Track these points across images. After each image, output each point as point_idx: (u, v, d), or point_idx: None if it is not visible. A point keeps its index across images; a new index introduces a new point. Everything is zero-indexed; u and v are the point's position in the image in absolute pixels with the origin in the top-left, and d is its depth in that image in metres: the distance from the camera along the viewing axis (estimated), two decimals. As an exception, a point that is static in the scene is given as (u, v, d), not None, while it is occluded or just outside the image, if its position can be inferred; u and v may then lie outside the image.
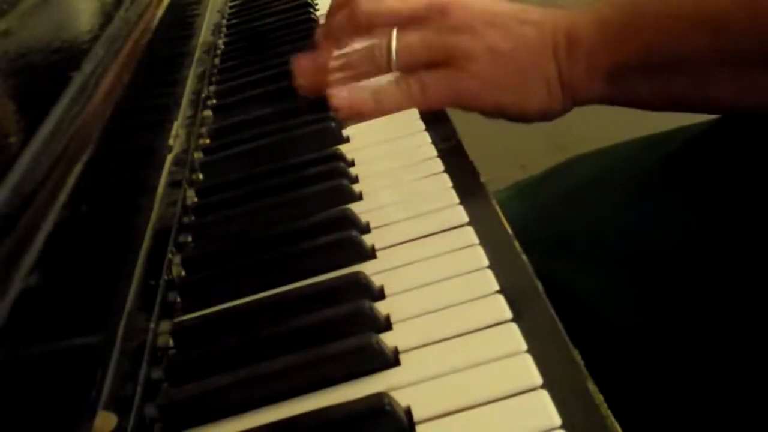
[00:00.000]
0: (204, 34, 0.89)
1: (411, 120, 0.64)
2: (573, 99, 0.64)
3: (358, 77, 0.66)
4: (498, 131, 0.71)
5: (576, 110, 0.67)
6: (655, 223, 0.70)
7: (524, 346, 0.38)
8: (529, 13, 0.65)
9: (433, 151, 0.58)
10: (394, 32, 0.64)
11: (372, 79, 0.66)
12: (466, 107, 0.65)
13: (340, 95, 0.65)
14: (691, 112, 0.66)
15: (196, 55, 0.82)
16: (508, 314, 0.41)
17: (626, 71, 0.62)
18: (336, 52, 0.67)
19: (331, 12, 0.70)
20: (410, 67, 0.64)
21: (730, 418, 0.62)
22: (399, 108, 0.65)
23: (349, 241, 0.49)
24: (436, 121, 0.63)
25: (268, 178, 0.59)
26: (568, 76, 0.63)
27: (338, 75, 0.67)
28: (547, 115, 0.65)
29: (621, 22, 0.62)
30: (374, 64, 0.65)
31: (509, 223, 0.50)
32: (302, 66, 0.69)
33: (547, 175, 0.83)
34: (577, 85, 0.63)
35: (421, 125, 0.62)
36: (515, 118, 0.65)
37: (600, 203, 0.74)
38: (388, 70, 0.65)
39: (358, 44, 0.67)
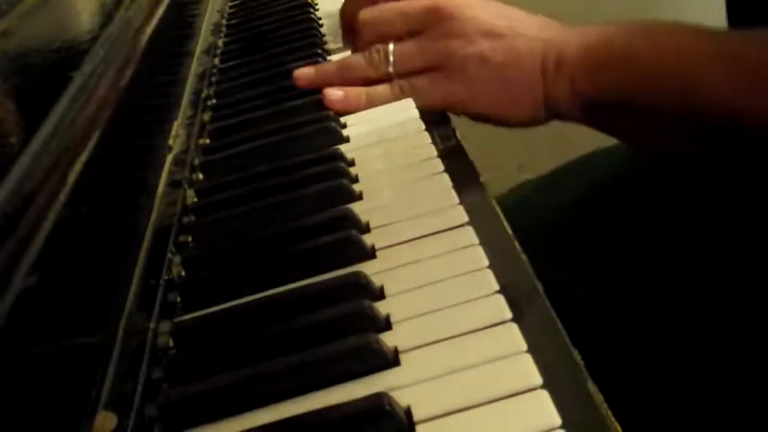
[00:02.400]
0: (204, 34, 0.89)
1: (411, 120, 0.64)
2: (556, 115, 0.66)
3: (356, 81, 0.68)
4: (498, 132, 0.71)
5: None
6: (656, 224, 0.70)
7: (524, 346, 0.38)
8: (527, 26, 0.66)
9: (433, 151, 0.58)
10: (391, 47, 0.67)
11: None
12: (453, 111, 0.67)
13: (336, 93, 0.68)
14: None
15: (196, 55, 0.82)
16: (508, 314, 0.41)
17: (599, 104, 0.63)
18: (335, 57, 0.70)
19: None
20: (407, 72, 0.67)
21: (730, 418, 0.62)
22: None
23: (349, 241, 0.49)
24: (436, 121, 0.63)
25: (268, 178, 0.59)
26: (552, 94, 0.64)
27: (337, 77, 0.69)
28: (528, 125, 0.67)
29: (604, 55, 0.63)
30: (372, 68, 0.68)
31: (511, 226, 0.50)
32: (304, 73, 0.71)
33: (548, 178, 0.84)
34: (560, 104, 0.64)
35: (421, 125, 0.62)
36: (498, 124, 0.67)
37: (601, 205, 0.74)
38: (386, 74, 0.67)
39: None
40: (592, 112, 0.64)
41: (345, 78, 0.69)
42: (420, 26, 0.67)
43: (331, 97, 0.68)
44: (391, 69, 0.67)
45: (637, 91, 0.62)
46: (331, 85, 0.69)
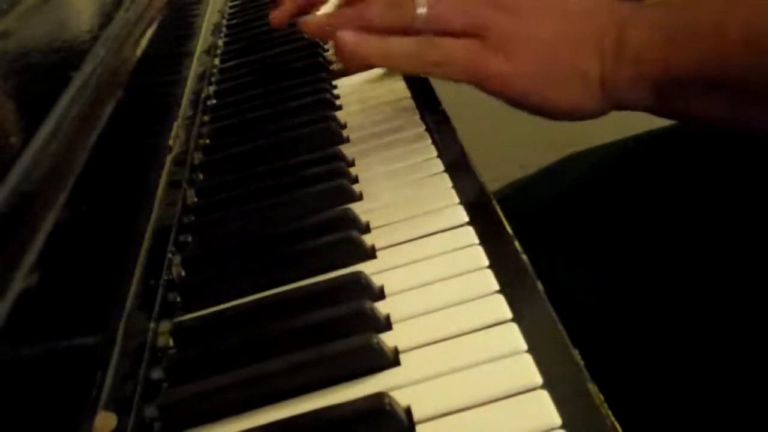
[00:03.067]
0: (204, 34, 0.89)
1: (411, 119, 0.64)
2: (613, 103, 0.58)
3: (373, 30, 0.59)
4: (498, 131, 0.70)
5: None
6: (654, 220, 0.70)
7: (524, 346, 0.38)
8: (578, 1, 0.58)
9: (433, 152, 0.58)
10: None
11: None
12: (487, 91, 0.58)
13: (347, 37, 0.58)
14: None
15: (196, 55, 0.82)
16: (508, 314, 0.41)
17: (676, 85, 0.56)
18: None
19: None
20: (437, 30, 0.57)
21: (730, 418, 0.62)
22: (409, 69, 0.60)
23: (349, 241, 0.49)
24: (436, 121, 0.63)
25: (268, 178, 0.59)
26: (611, 78, 0.56)
27: (350, 24, 0.59)
28: (576, 115, 0.59)
29: (677, 31, 0.55)
30: (395, 18, 0.58)
31: (510, 214, 0.50)
32: (313, 20, 0.65)
33: (543, 173, 0.83)
34: (620, 89, 0.57)
35: (422, 125, 0.62)
36: (540, 113, 0.59)
37: (598, 200, 0.74)
38: (411, 28, 0.58)
39: None
40: (663, 95, 0.56)
41: (359, 25, 0.59)
42: None
43: (341, 39, 0.58)
44: (420, 16, 0.57)
45: (727, 64, 0.53)
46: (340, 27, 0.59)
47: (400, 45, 0.58)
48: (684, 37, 0.55)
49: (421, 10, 0.57)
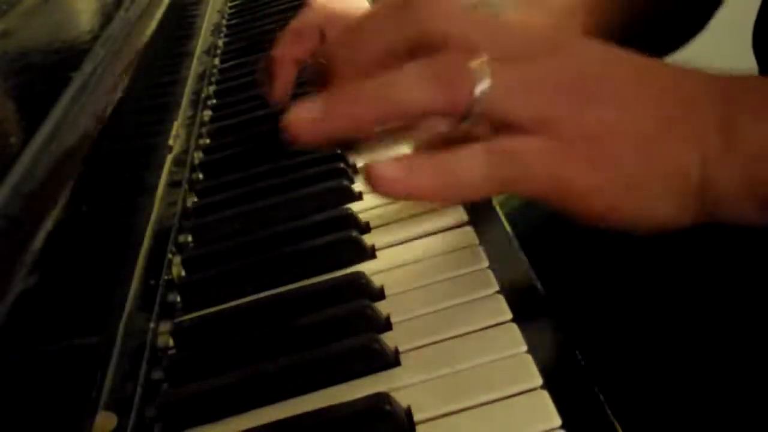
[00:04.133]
0: (204, 34, 0.89)
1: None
2: (711, 214, 0.43)
3: (396, 116, 0.41)
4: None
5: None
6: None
7: (524, 346, 0.38)
8: (686, 76, 0.43)
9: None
10: (484, 58, 0.39)
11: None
12: (564, 209, 0.41)
13: (384, 171, 0.39)
14: None
15: (196, 55, 0.82)
16: (508, 314, 0.41)
17: None
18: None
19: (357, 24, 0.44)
20: (498, 120, 0.40)
21: (730, 418, 0.62)
22: (479, 195, 0.42)
23: (349, 241, 0.49)
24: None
25: (268, 178, 0.59)
26: (714, 182, 0.41)
27: (370, 112, 0.40)
28: (667, 230, 0.44)
29: None
30: (440, 94, 0.39)
31: (510, 224, 0.50)
32: (302, 116, 0.40)
33: None
34: (723, 197, 0.42)
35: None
36: (624, 229, 0.43)
37: None
38: (460, 116, 0.40)
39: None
40: None
41: (381, 114, 0.40)
42: (525, 52, 0.42)
43: (374, 173, 0.39)
44: (480, 106, 0.39)
45: None
46: (361, 126, 0.41)
47: (465, 165, 0.39)
48: None
49: (483, 86, 0.39)
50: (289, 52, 0.65)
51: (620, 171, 0.41)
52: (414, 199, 0.43)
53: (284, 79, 0.65)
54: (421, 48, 0.41)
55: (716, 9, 0.72)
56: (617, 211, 0.42)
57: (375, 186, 0.39)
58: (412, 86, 0.39)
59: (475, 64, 0.39)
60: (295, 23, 0.66)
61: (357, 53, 0.42)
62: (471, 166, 0.39)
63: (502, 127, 0.40)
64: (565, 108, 0.40)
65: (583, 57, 0.42)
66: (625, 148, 0.41)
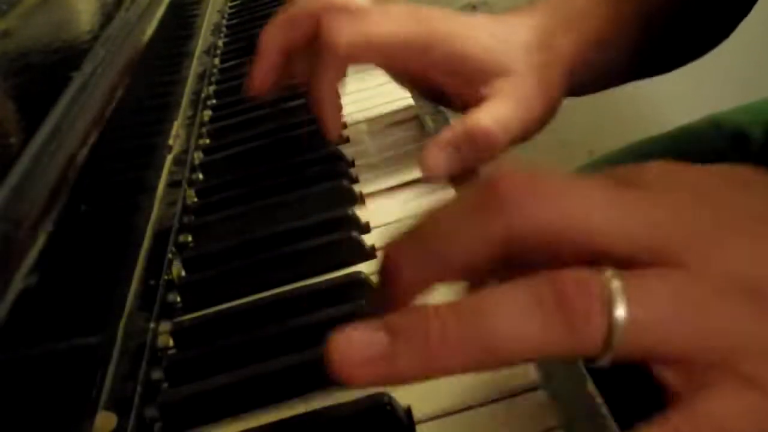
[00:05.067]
0: (204, 34, 0.89)
1: (412, 120, 0.64)
2: None
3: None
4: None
5: (579, 107, 0.62)
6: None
7: (524, 346, 0.38)
8: None
9: (433, 151, 0.58)
10: (611, 273, 0.28)
11: None
12: None
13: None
14: None
15: (196, 55, 0.82)
16: (508, 314, 0.40)
17: None
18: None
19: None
20: (644, 355, 0.30)
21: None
22: None
23: (349, 241, 0.49)
24: (436, 122, 0.63)
25: (268, 178, 0.59)
26: None
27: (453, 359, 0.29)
28: None
29: None
30: (560, 333, 0.28)
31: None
32: (359, 351, 0.30)
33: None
34: None
35: (422, 125, 0.62)
36: None
37: None
38: (591, 357, 0.29)
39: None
40: None
41: (472, 362, 0.29)
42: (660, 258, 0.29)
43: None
44: (617, 339, 0.28)
45: None
46: (435, 373, 0.29)
47: None
48: None
49: (620, 313, 0.27)
50: (275, 39, 0.61)
51: None
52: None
53: (266, 67, 0.61)
54: (514, 254, 0.29)
55: (742, 17, 0.70)
56: None
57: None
58: (517, 321, 0.28)
59: (600, 284, 0.28)
60: (289, 9, 0.61)
61: (429, 261, 0.30)
62: None
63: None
64: (740, 335, 0.28)
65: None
66: None
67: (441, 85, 0.58)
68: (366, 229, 0.51)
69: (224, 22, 0.97)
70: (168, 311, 0.48)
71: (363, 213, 0.52)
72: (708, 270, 0.28)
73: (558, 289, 0.27)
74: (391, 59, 0.57)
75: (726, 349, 0.28)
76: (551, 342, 0.28)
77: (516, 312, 0.28)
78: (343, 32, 0.54)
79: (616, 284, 0.27)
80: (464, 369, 0.29)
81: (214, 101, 0.76)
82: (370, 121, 0.66)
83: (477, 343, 0.28)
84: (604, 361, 0.29)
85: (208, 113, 0.73)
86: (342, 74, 0.58)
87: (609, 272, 0.28)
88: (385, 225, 0.51)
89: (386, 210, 0.53)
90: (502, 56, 0.57)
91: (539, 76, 0.57)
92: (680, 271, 0.28)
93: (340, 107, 0.60)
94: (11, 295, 0.33)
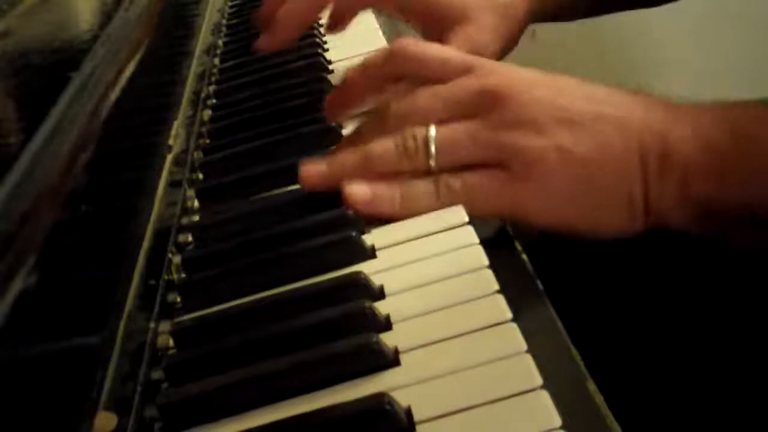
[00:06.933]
0: (204, 34, 0.89)
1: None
2: (659, 224, 0.50)
3: (384, 177, 0.51)
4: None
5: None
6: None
7: (524, 346, 0.38)
8: (616, 106, 0.50)
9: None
10: (434, 125, 0.51)
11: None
12: (522, 221, 0.50)
13: (360, 190, 0.51)
14: None
15: (196, 55, 0.82)
16: (508, 314, 0.41)
17: (725, 213, 0.49)
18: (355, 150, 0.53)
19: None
20: (453, 165, 0.50)
21: (730, 418, 0.62)
22: (432, 209, 0.51)
23: (349, 241, 0.49)
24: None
25: (268, 178, 0.59)
26: (656, 197, 0.49)
27: (359, 172, 0.52)
28: (623, 236, 0.51)
29: (731, 155, 0.48)
30: (405, 161, 0.51)
31: (510, 223, 0.50)
32: (312, 171, 0.54)
33: None
34: (666, 210, 0.49)
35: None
36: (578, 237, 0.51)
37: None
38: (425, 168, 0.50)
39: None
40: (708, 220, 0.49)
41: (369, 173, 0.51)
42: (470, 111, 0.51)
43: (355, 196, 0.51)
44: (432, 162, 0.50)
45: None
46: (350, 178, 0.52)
47: (418, 193, 0.50)
48: (743, 165, 0.48)
49: (432, 147, 0.50)
50: (299, 9, 0.74)
51: (563, 188, 0.49)
52: (377, 214, 0.51)
53: (282, 37, 0.75)
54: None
55: None
56: (571, 224, 0.50)
57: (352, 204, 0.51)
58: (387, 154, 0.52)
59: (429, 134, 0.51)
60: None
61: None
62: (424, 192, 0.51)
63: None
64: (501, 144, 0.49)
65: (518, 104, 0.50)
66: (566, 167, 0.48)
67: (422, 29, 0.72)
68: (366, 229, 0.51)
69: (224, 21, 0.97)
70: (168, 311, 0.48)
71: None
72: (497, 114, 0.50)
73: (405, 137, 0.51)
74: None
75: (497, 155, 0.49)
76: (403, 161, 0.51)
77: (389, 147, 0.51)
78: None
79: (433, 133, 0.50)
80: (359, 176, 0.52)
81: (214, 101, 0.76)
82: None
83: (370, 164, 0.52)
84: (433, 166, 0.50)
85: (207, 113, 0.73)
86: (316, 8, 0.74)
87: (432, 128, 0.50)
88: (385, 225, 0.51)
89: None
90: (463, 4, 0.71)
91: (501, 16, 0.71)
92: (474, 117, 0.50)
93: (300, 27, 0.74)
94: (11, 295, 0.33)
